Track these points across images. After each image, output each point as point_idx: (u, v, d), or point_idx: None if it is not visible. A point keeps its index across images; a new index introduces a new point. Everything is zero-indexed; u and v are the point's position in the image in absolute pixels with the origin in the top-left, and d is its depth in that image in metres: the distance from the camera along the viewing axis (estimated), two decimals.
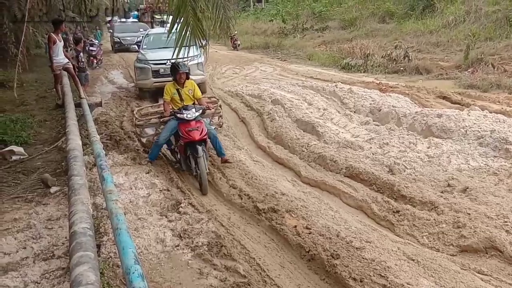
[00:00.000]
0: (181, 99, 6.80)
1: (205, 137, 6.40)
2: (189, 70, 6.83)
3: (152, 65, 12.17)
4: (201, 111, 6.63)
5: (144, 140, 7.78)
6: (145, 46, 13.47)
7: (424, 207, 5.36)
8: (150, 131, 7.63)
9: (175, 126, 6.54)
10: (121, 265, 2.97)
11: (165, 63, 11.73)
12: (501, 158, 6.59)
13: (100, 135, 6.99)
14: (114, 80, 16.01)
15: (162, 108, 7.24)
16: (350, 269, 3.98)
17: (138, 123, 7.37)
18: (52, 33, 10.22)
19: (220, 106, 7.93)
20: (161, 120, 7.00)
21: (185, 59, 11.18)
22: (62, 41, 10.51)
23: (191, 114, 6.40)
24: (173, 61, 6.63)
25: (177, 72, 6.77)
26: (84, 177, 4.48)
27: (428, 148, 7.22)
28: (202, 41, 5.66)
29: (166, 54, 11.01)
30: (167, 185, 6.10)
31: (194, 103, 6.88)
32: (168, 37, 6.24)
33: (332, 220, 5.13)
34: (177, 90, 6.85)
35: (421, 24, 20.96)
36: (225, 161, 6.95)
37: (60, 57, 10.14)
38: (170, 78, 11.83)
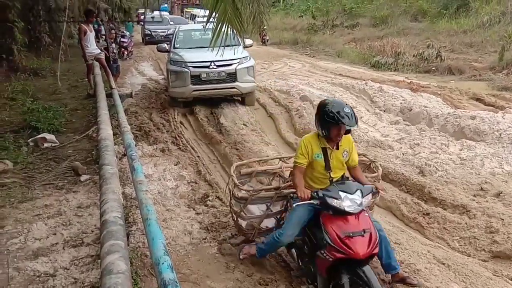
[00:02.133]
0: (327, 167, 3.70)
1: (376, 250, 3.37)
2: (355, 121, 3.53)
3: (191, 69, 9.75)
4: (370, 195, 3.55)
5: (243, 223, 4.33)
6: (178, 45, 10.98)
7: (456, 210, 5.24)
8: (256, 209, 4.41)
9: (310, 214, 3.62)
10: (151, 255, 2.98)
11: (208, 66, 9.76)
12: None
13: (129, 126, 7.06)
14: (144, 71, 16.17)
15: (276, 166, 4.62)
16: (379, 271, 3.91)
17: (240, 195, 4.17)
18: (82, 24, 10.38)
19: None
20: (284, 196, 4.08)
21: (232, 60, 9.69)
22: (94, 31, 10.66)
23: (355, 201, 3.38)
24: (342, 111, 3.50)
25: (337, 126, 3.56)
26: (115, 166, 4.53)
27: (461, 150, 7.07)
28: (240, 32, 5.52)
29: (208, 55, 8.72)
30: (195, 178, 6.12)
31: (344, 175, 3.83)
32: (205, 29, 5.60)
33: None
34: (324, 150, 3.73)
35: (454, 24, 20.54)
36: (401, 279, 3.73)
37: (92, 47, 10.28)
38: (214, 86, 9.77)
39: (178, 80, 9.84)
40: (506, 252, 4.38)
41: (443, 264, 4.09)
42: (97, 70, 10.38)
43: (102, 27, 13.92)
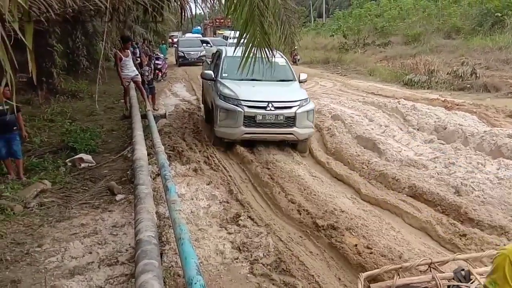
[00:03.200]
0: None
1: None
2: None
3: (245, 109, 8.25)
4: None
5: None
6: (225, 74, 9.37)
7: (494, 231, 5.08)
8: None
9: None
10: (184, 275, 3.02)
11: (265, 107, 8.29)
12: None
13: (163, 146, 7.19)
14: (177, 92, 16.49)
15: (427, 277, 2.95)
16: None
17: None
18: (118, 51, 10.73)
19: None
20: None
21: (292, 103, 8.42)
22: (130, 54, 10.95)
23: None
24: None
25: None
26: (149, 186, 4.63)
27: (498, 169, 6.88)
28: (268, 55, 5.55)
29: (264, 92, 8.16)
30: (227, 197, 6.16)
31: None
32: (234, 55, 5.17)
33: (394, 240, 4.98)
34: None
35: (489, 40, 20.21)
36: None
37: (129, 70, 10.58)
38: (269, 130, 8.34)
39: (228, 119, 8.36)
40: None
41: None
42: (133, 92, 10.66)
43: (138, 50, 14.31)
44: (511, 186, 6.19)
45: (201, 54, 27.71)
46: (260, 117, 8.24)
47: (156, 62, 18.53)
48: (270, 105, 8.23)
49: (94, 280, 4.05)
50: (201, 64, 27.07)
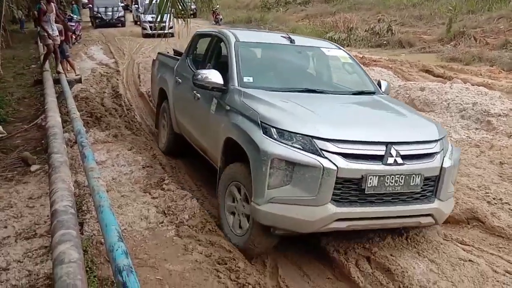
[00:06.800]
0: None
1: None
2: None
3: (340, 162, 3.45)
4: None
5: None
6: (248, 79, 4.62)
7: None
8: None
9: None
10: (104, 242, 2.94)
11: (381, 157, 3.57)
12: (483, 130, 6.67)
13: (80, 112, 6.87)
14: (93, 56, 15.73)
15: None
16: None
17: None
18: (43, 3, 9.78)
19: None
20: None
21: (430, 145, 3.82)
22: (54, 10, 10.04)
23: None
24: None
25: None
26: (65, 154, 4.41)
27: None
28: (183, 16, 5.27)
29: (368, 120, 4.24)
30: (150, 162, 6.01)
31: None
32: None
33: None
34: None
35: None
36: None
37: (52, 28, 9.76)
38: (390, 210, 3.67)
39: (296, 187, 3.52)
40: (456, 217, 4.56)
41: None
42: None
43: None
44: None
45: (120, 14, 26.47)
46: (374, 181, 3.56)
47: (69, 23, 17.44)
48: (392, 150, 3.63)
49: (11, 254, 3.85)
50: (119, 25, 25.93)
